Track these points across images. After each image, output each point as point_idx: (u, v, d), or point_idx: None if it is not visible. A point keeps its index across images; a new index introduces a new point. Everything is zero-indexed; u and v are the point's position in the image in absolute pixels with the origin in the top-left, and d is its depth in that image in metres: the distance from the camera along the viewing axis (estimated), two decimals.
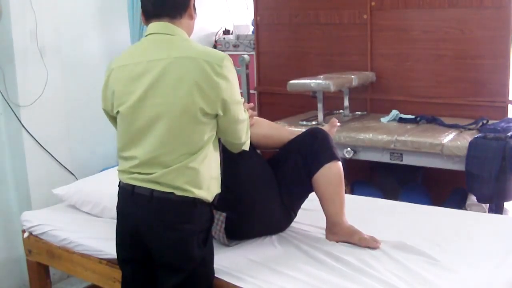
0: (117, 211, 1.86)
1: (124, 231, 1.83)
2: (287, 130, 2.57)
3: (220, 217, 2.10)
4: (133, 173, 1.75)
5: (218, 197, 1.85)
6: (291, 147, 2.25)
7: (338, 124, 2.50)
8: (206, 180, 1.75)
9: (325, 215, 2.17)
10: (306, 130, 2.30)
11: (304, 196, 2.27)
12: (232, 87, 1.73)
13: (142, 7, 1.83)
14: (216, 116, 1.73)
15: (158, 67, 1.70)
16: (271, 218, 2.20)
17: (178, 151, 1.70)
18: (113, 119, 1.91)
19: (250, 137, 1.93)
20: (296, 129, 3.23)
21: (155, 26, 1.79)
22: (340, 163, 2.19)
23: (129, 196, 1.77)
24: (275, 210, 2.19)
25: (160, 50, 1.73)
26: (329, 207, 2.15)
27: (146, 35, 1.82)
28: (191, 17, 1.84)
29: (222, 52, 1.76)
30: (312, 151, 2.16)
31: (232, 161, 1.98)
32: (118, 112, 1.80)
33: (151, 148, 1.71)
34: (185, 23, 1.81)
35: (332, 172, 2.15)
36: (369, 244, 2.05)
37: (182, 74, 1.67)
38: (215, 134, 1.78)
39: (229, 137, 1.84)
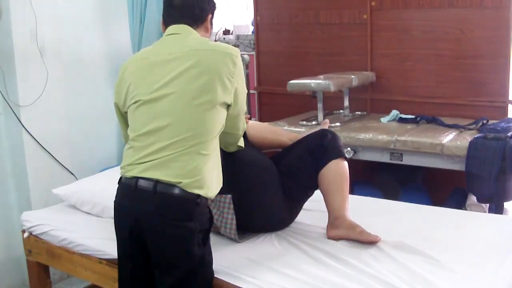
0: (115, 207, 1.86)
1: (123, 227, 1.83)
2: (281, 129, 2.69)
3: (229, 212, 2.11)
4: (143, 162, 1.76)
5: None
6: (300, 143, 2.32)
7: (330, 124, 2.55)
8: (211, 170, 1.79)
9: (328, 210, 2.19)
10: (316, 130, 2.37)
11: (307, 191, 2.29)
12: (242, 77, 1.88)
13: (163, 16, 1.97)
14: (229, 106, 1.85)
15: (179, 58, 1.80)
16: (271, 207, 2.21)
17: (193, 139, 1.75)
18: (122, 115, 1.98)
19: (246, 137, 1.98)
20: (296, 129, 3.25)
21: (173, 28, 1.92)
22: (346, 162, 2.25)
23: (131, 192, 1.77)
24: (276, 199, 2.20)
25: (181, 44, 1.86)
26: (333, 201, 2.18)
27: (165, 36, 1.94)
28: (207, 30, 1.99)
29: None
30: (321, 146, 2.22)
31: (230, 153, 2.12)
32: (132, 104, 1.84)
33: (169, 135, 1.75)
34: (200, 33, 1.94)
35: (339, 167, 2.20)
36: (370, 237, 2.05)
37: (205, 65, 1.78)
38: (222, 129, 1.87)
39: (232, 128, 1.96)
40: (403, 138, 3.00)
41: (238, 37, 4.57)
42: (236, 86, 1.84)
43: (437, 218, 2.35)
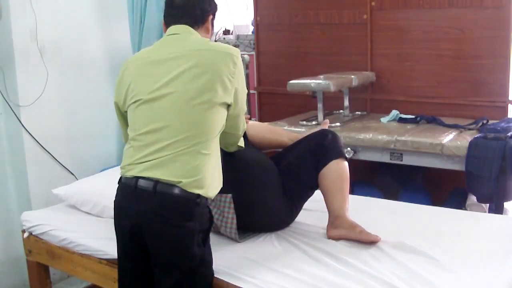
0: (115, 206, 1.86)
1: (123, 227, 1.84)
2: (281, 129, 2.70)
3: (230, 211, 2.11)
4: (143, 162, 1.76)
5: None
6: (300, 143, 2.32)
7: (330, 124, 2.56)
8: (211, 169, 1.79)
9: (328, 210, 2.19)
10: (317, 130, 2.37)
11: (308, 191, 2.29)
12: (242, 77, 1.88)
13: (164, 17, 1.98)
14: (229, 106, 1.85)
15: (180, 58, 1.81)
16: (271, 207, 2.21)
17: (194, 139, 1.75)
18: (122, 115, 1.98)
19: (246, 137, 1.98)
20: (296, 129, 3.25)
21: (174, 28, 1.92)
22: (346, 162, 2.25)
23: (131, 191, 1.77)
24: (277, 199, 2.20)
25: (181, 44, 1.86)
26: (334, 200, 2.18)
27: (165, 36, 1.94)
28: (208, 31, 1.99)
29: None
30: (321, 146, 2.23)
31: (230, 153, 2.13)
32: (132, 103, 1.84)
33: (169, 135, 1.75)
34: (201, 34, 1.94)
35: (339, 167, 2.21)
36: (370, 237, 2.06)
37: (205, 65, 1.79)
38: (222, 129, 1.87)
39: (232, 128, 1.96)
40: (403, 138, 3.00)
41: (238, 37, 4.57)
42: (237, 86, 1.85)
43: (437, 218, 2.35)
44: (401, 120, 3.41)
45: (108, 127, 3.56)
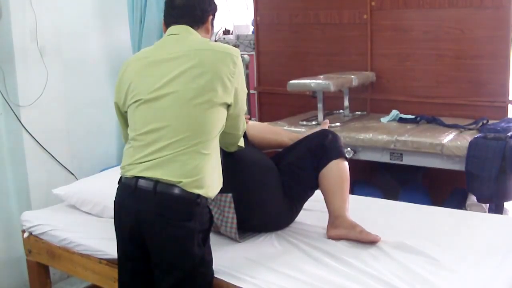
0: (115, 206, 1.86)
1: (123, 227, 1.84)
2: (281, 129, 2.70)
3: (230, 210, 2.11)
4: (143, 162, 1.76)
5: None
6: (300, 143, 2.32)
7: (330, 124, 2.57)
8: (211, 169, 1.79)
9: (328, 210, 2.20)
10: (317, 130, 2.37)
11: (308, 191, 2.30)
12: (242, 77, 1.89)
13: (164, 17, 1.98)
14: (229, 106, 1.85)
15: (180, 58, 1.81)
16: (272, 206, 2.21)
17: (194, 139, 1.75)
18: (122, 115, 1.98)
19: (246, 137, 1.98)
20: (296, 129, 3.25)
21: (174, 28, 1.93)
22: (347, 162, 2.26)
23: (131, 191, 1.77)
24: (277, 199, 2.21)
25: (181, 44, 1.87)
26: (334, 200, 2.18)
27: (165, 36, 1.95)
28: (207, 31, 1.99)
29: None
30: (322, 146, 2.23)
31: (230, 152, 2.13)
32: (133, 103, 1.84)
33: (170, 135, 1.75)
34: (201, 34, 1.95)
35: (339, 167, 2.21)
36: (370, 237, 2.06)
37: (205, 65, 1.79)
38: (222, 129, 1.87)
39: (232, 128, 1.96)
40: (403, 138, 3.00)
41: (238, 37, 4.57)
42: (236, 86, 1.85)
43: (437, 218, 2.35)
44: (401, 120, 3.41)
45: (108, 127, 3.56)
